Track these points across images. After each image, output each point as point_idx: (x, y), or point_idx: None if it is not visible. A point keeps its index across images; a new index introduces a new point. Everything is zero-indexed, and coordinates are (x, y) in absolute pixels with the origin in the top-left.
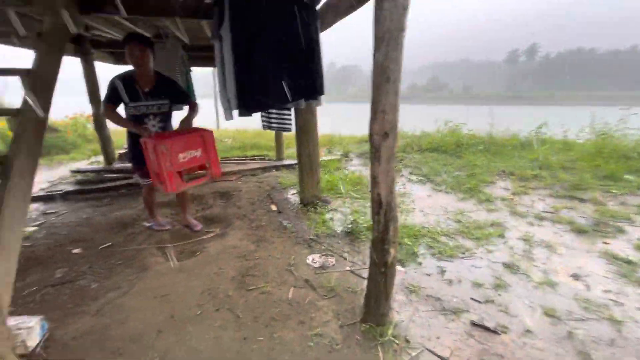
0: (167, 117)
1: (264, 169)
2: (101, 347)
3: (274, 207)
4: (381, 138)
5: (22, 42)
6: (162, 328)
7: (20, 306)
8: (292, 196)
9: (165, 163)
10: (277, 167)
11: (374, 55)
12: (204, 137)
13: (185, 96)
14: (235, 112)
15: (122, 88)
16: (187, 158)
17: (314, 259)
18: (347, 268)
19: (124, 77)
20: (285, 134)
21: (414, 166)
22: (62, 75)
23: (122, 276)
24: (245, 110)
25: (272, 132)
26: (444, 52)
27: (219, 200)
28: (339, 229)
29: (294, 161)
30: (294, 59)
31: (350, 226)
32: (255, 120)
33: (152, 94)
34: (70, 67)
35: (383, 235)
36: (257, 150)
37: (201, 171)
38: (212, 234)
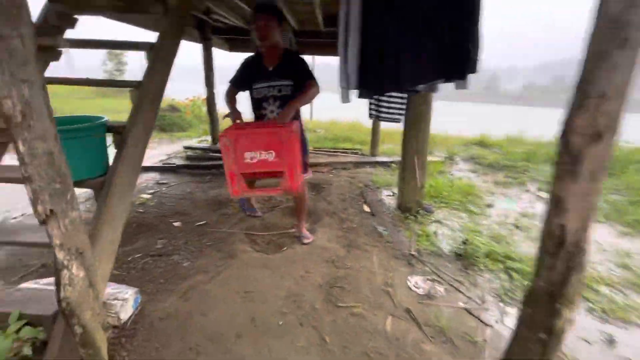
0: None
1: (357, 164)
2: (182, 337)
3: (366, 208)
4: (587, 140)
5: (147, 23)
6: (241, 332)
7: (125, 270)
8: (387, 198)
9: (227, 160)
10: (370, 163)
11: (600, 6)
12: (281, 136)
13: (307, 76)
14: (354, 94)
15: (248, 68)
16: (256, 160)
17: (417, 283)
18: (461, 304)
19: (253, 56)
20: (382, 127)
21: (544, 180)
22: (187, 62)
23: (211, 259)
24: (367, 91)
25: (368, 126)
26: (571, 47)
27: (308, 191)
28: (446, 248)
29: (388, 158)
30: (443, 23)
31: (462, 247)
32: (351, 111)
33: (276, 73)
34: (193, 55)
35: (557, 289)
36: (349, 143)
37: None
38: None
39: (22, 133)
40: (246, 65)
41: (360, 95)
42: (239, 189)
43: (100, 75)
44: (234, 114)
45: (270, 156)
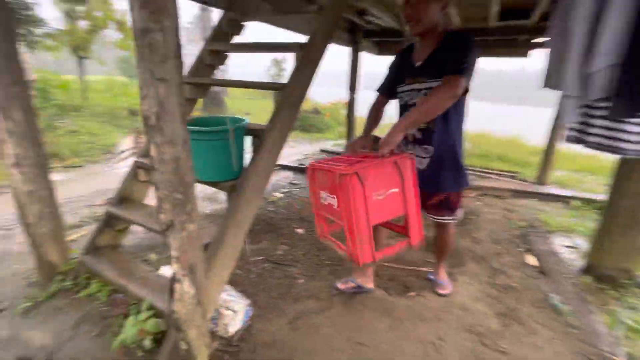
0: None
1: (516, 193)
2: None
3: (531, 260)
4: None
5: (300, 25)
6: None
7: (245, 272)
8: (567, 251)
9: (310, 196)
10: (537, 195)
11: None
12: (334, 179)
13: (450, 68)
14: (574, 112)
15: (396, 66)
16: (327, 202)
17: None
18: None
19: (405, 49)
20: (562, 146)
21: None
22: (332, 68)
23: (326, 284)
24: (632, 105)
25: (531, 143)
26: None
27: None
28: None
29: (566, 191)
30: None
31: None
32: (506, 123)
33: (424, 70)
34: (339, 60)
35: None
36: (504, 164)
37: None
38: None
39: (155, 136)
40: (394, 63)
41: (616, 113)
42: (320, 231)
43: (265, 80)
44: (360, 140)
45: (334, 202)
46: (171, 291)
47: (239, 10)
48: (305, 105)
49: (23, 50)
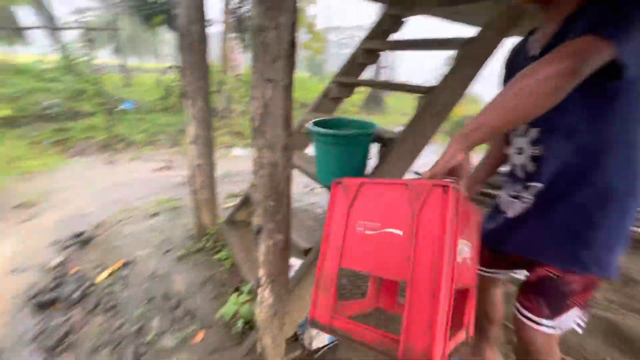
0: (561, 126)
1: None
2: None
3: None
4: None
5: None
6: None
7: (351, 284)
8: None
9: None
10: None
11: None
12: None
13: (595, 21)
14: None
15: (508, 65)
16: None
17: None
18: None
19: (524, 38)
20: None
21: None
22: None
23: None
24: None
25: None
26: None
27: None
28: None
29: None
30: None
31: None
32: None
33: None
34: None
35: None
36: None
37: None
38: None
39: (257, 139)
40: (506, 64)
41: None
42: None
43: (431, 79)
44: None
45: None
46: (255, 293)
47: (402, 4)
48: (466, 110)
49: (239, 51)
